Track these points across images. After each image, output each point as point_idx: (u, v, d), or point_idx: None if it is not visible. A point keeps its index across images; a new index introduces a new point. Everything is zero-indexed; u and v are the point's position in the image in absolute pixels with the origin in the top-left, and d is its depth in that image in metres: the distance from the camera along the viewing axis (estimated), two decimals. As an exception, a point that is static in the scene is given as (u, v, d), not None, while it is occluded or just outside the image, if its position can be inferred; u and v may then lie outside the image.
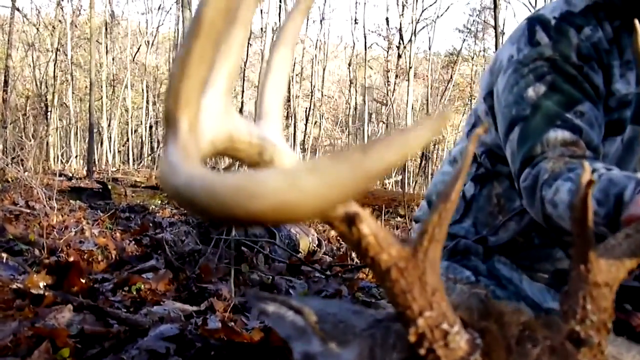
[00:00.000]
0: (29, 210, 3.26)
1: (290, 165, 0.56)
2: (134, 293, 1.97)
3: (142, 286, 2.00)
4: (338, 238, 4.33)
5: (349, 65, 19.14)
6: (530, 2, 18.48)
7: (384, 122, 18.47)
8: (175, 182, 0.33)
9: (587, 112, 1.05)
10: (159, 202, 4.79)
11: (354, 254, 3.09)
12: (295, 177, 0.26)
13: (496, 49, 13.13)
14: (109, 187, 4.90)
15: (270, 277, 2.32)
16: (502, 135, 1.16)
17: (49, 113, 16.14)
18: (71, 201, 4.39)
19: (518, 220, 1.25)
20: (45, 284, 1.82)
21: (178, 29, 23.75)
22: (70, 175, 11.28)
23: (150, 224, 3.51)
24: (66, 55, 17.58)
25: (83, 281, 1.97)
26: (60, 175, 10.32)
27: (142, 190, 5.08)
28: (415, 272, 0.49)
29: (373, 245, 0.50)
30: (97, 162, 15.84)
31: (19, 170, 4.15)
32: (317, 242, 3.25)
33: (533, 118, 1.07)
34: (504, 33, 13.86)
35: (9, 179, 4.67)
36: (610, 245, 0.56)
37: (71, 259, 2.10)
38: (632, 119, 1.13)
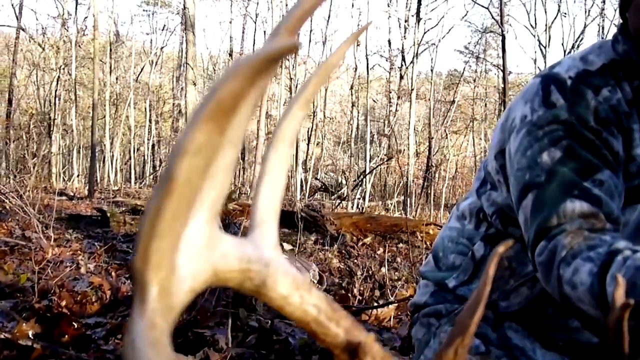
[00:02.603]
0: (24, 243, 3.19)
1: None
2: (127, 341, 1.89)
3: (136, 333, 1.92)
4: (339, 269, 4.24)
5: (351, 87, 19.18)
6: (531, 25, 18.64)
7: (387, 141, 18.46)
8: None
9: (607, 180, 0.99)
10: (158, 230, 4.70)
11: (355, 291, 3.00)
12: None
13: (505, 94, 13.16)
14: (108, 214, 4.84)
15: (269, 320, 2.24)
16: (514, 200, 1.10)
17: (51, 132, 16.17)
18: (69, 230, 4.33)
19: (530, 285, 1.18)
20: (34, 333, 1.75)
21: (182, 49, 23.94)
22: (72, 194, 11.21)
23: (148, 256, 3.42)
24: (70, 74, 17.67)
25: (75, 325, 1.89)
26: (61, 194, 10.26)
27: (141, 217, 5.00)
28: None
29: (381, 385, 0.43)
30: (99, 181, 15.79)
31: (16, 199, 4.09)
32: (318, 278, 3.15)
33: (548, 186, 1.00)
34: (503, 59, 13.90)
35: (7, 207, 4.61)
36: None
37: (63, 302, 2.03)
38: None
